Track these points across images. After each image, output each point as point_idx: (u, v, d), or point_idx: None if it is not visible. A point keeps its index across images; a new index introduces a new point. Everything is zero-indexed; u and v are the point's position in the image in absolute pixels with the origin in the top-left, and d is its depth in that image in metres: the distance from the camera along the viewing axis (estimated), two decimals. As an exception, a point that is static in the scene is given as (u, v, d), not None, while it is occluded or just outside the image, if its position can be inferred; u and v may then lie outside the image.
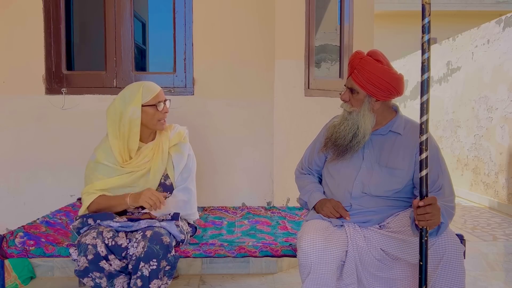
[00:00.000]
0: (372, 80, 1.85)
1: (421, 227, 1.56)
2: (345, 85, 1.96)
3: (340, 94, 1.97)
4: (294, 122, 3.05)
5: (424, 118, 1.50)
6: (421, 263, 1.54)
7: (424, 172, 1.51)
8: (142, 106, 2.04)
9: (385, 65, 1.88)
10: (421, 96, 1.50)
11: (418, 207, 1.56)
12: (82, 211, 2.05)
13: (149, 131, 2.14)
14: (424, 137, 1.51)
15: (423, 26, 1.47)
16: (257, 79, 2.87)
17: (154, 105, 2.07)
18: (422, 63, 1.49)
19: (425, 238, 1.54)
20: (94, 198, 2.01)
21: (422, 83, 1.49)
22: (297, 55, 3.08)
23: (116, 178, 2.05)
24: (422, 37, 1.47)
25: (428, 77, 1.49)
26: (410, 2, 10.95)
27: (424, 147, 1.51)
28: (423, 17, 1.47)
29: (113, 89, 2.84)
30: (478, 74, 5.48)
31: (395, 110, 1.99)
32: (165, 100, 2.12)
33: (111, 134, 2.07)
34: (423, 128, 1.50)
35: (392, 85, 1.85)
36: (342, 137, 1.92)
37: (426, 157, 1.51)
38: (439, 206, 1.61)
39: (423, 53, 1.48)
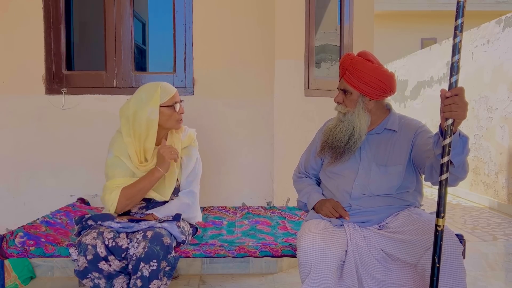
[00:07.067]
0: (364, 79, 1.87)
1: (446, 119, 1.48)
2: (338, 88, 1.97)
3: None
4: (294, 122, 3.05)
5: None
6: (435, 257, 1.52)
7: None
8: (160, 106, 2.04)
9: (375, 64, 1.89)
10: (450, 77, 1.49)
11: (446, 98, 1.48)
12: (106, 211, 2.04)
13: (164, 132, 2.13)
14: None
15: (456, 26, 1.45)
16: (257, 79, 2.87)
17: (172, 105, 2.07)
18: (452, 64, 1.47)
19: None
20: (118, 196, 1.98)
21: (452, 66, 1.47)
22: (297, 55, 3.08)
23: (135, 179, 2.05)
24: (454, 37, 1.46)
25: (459, 59, 1.46)
26: (410, 2, 10.97)
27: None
28: (457, 18, 1.45)
29: (113, 89, 2.84)
30: (478, 74, 5.48)
31: (388, 109, 2.01)
32: (181, 101, 2.13)
33: (125, 134, 2.06)
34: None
35: (384, 82, 1.87)
36: (339, 139, 1.93)
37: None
38: (466, 101, 1.51)
39: (454, 54, 1.46)
